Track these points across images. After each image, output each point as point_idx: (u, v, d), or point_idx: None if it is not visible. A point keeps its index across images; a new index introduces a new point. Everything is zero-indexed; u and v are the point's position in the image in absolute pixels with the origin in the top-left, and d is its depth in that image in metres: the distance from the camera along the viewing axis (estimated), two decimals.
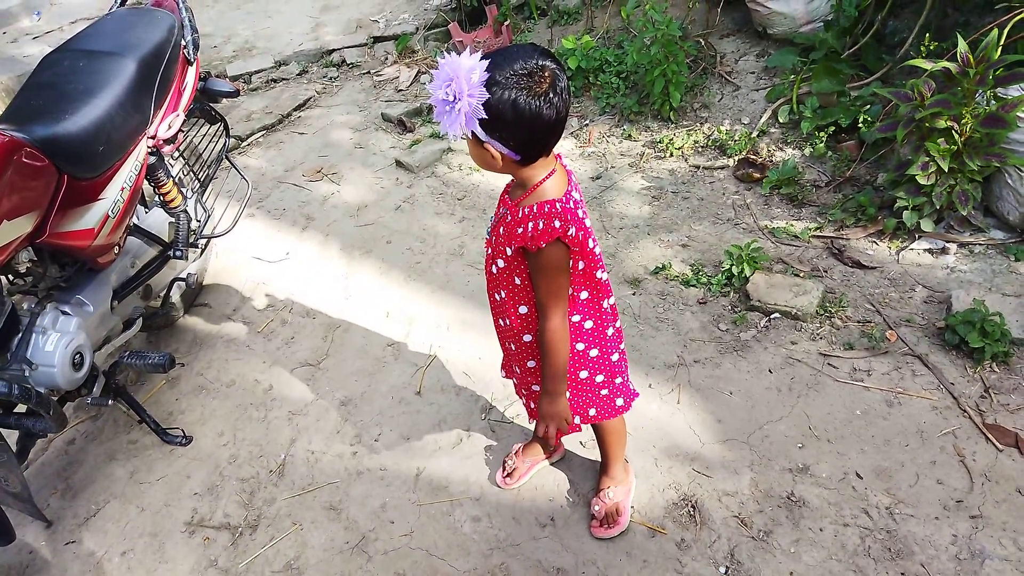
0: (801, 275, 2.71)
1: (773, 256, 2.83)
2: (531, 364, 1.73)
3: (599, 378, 1.74)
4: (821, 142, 3.27)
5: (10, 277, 2.00)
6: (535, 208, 1.43)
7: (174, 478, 2.28)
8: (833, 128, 3.30)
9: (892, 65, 3.30)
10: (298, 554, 2.03)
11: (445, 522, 2.06)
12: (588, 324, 1.66)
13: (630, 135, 3.73)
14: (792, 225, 3.00)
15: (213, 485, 2.25)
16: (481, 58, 1.27)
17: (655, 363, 2.45)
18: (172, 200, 2.49)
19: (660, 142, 3.62)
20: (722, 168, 3.41)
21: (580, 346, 1.68)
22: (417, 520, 2.07)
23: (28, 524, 2.16)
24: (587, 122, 3.94)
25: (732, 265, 2.69)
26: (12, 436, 2.05)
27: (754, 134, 3.49)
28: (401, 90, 4.57)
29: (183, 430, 2.40)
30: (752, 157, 3.34)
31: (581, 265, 1.56)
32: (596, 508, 1.97)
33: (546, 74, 1.29)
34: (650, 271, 2.86)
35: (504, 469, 2.13)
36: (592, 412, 1.79)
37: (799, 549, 1.88)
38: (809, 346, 2.45)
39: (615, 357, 1.75)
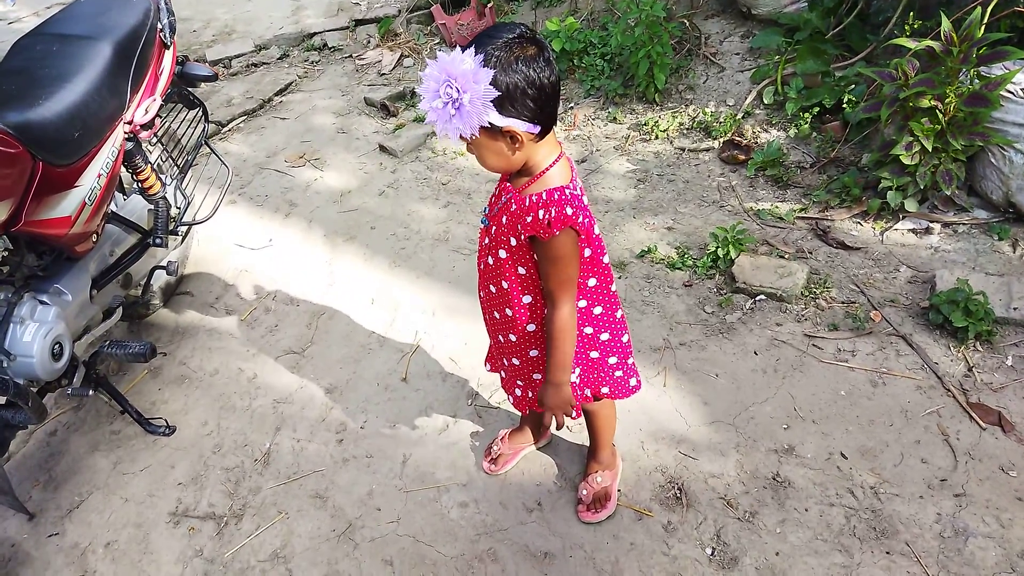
0: (786, 257, 2.71)
1: (758, 238, 2.82)
2: (534, 353, 1.69)
3: (612, 359, 1.73)
4: (806, 123, 3.27)
5: None
6: (544, 196, 1.39)
7: (158, 468, 2.26)
8: (818, 109, 3.29)
9: (876, 45, 3.29)
10: (284, 543, 2.02)
11: (432, 508, 2.05)
12: (597, 310, 1.64)
13: (615, 118, 3.71)
14: (777, 207, 3.00)
15: (197, 475, 2.23)
16: (463, 49, 1.25)
17: (641, 347, 2.44)
18: (151, 187, 2.44)
19: (645, 124, 3.60)
20: (707, 150, 3.40)
21: (589, 330, 1.66)
22: (404, 507, 2.06)
23: (10, 517, 2.13)
24: (572, 105, 3.91)
25: (717, 247, 2.69)
26: None
27: (739, 116, 3.48)
28: (384, 74, 4.52)
29: (166, 420, 2.38)
30: (737, 139, 3.33)
31: (588, 252, 1.53)
32: (584, 493, 1.97)
33: (530, 39, 1.28)
34: (636, 254, 2.85)
35: (489, 455, 2.12)
36: (605, 390, 1.77)
37: (785, 529, 1.89)
38: (794, 327, 2.46)
39: (625, 338, 1.73)
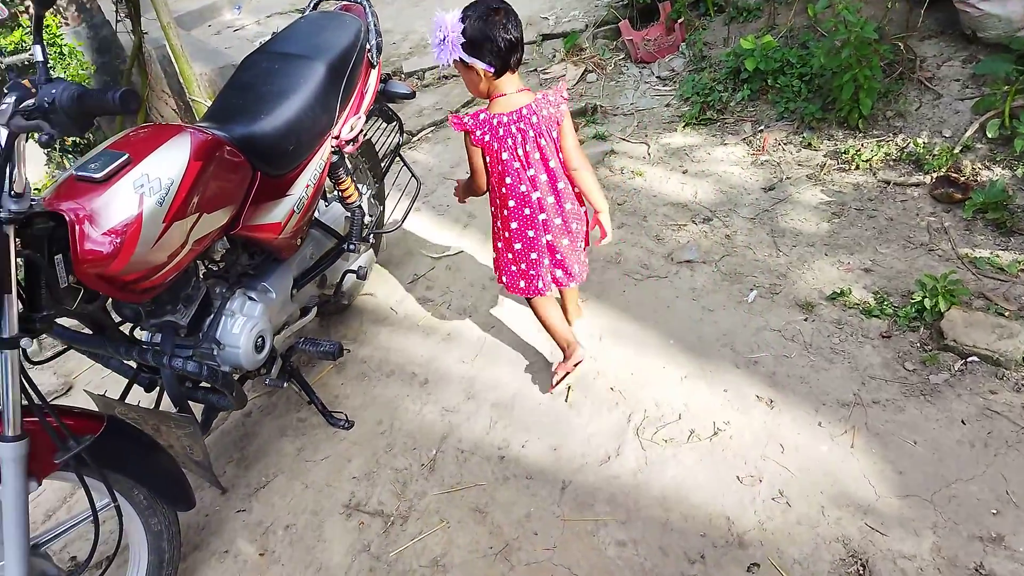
0: (1007, 315, 2.40)
1: (974, 290, 2.52)
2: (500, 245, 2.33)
3: (508, 255, 2.29)
4: None
5: (207, 263, 2.19)
6: (476, 111, 2.07)
7: (336, 460, 2.40)
8: None
9: None
10: (444, 551, 2.07)
11: (589, 541, 2.02)
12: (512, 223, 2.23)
13: (810, 143, 3.48)
14: (998, 256, 2.66)
15: (370, 471, 2.34)
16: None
17: (827, 399, 2.26)
18: (350, 196, 2.61)
19: (845, 152, 3.34)
20: (917, 185, 3.09)
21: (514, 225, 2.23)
22: (561, 535, 2.05)
23: (206, 488, 2.36)
24: (762, 127, 3.72)
25: (924, 297, 2.43)
26: (198, 409, 2.24)
27: (957, 149, 3.14)
28: (568, 88, 4.54)
29: (346, 415, 2.52)
30: (953, 175, 3.00)
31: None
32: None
33: (501, 9, 1.93)
34: (826, 296, 2.65)
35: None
36: (504, 279, 2.37)
37: None
38: (1012, 398, 2.17)
39: (518, 246, 2.24)
